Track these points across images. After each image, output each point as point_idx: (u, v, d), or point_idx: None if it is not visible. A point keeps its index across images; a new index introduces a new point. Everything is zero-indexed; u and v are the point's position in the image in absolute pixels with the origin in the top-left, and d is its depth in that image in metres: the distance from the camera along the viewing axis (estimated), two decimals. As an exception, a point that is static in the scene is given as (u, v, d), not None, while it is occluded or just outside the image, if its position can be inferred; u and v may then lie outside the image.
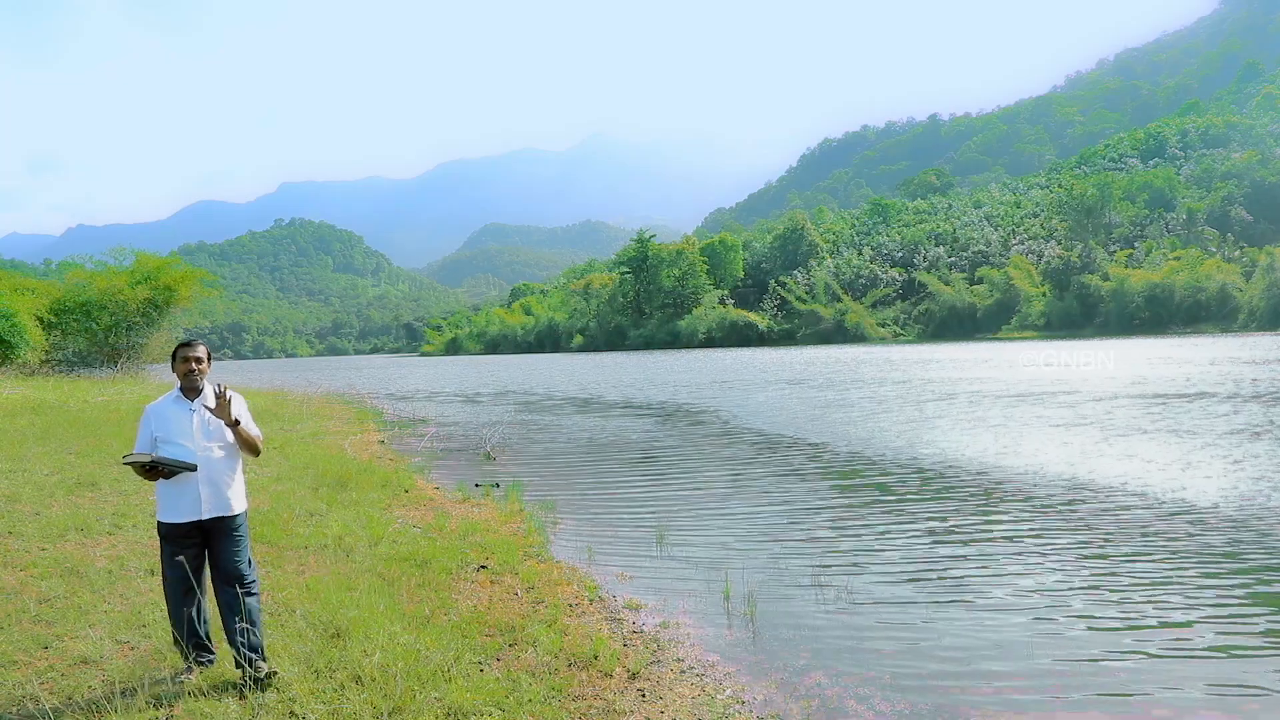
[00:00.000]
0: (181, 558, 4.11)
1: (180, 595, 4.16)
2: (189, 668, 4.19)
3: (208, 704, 3.85)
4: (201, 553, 4.24)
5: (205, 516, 4.16)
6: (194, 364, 4.26)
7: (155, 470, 4.05)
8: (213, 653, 4.28)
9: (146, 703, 3.93)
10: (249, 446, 4.34)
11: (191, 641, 4.18)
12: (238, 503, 4.29)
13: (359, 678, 4.18)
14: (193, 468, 4.10)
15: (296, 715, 3.82)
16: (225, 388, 4.19)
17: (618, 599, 6.05)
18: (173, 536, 4.17)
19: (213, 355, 4.48)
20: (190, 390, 4.27)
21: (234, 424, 4.21)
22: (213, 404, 4.21)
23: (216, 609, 4.30)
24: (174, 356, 4.32)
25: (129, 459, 3.99)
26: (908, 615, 5.64)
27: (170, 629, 4.28)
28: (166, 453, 4.09)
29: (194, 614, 4.18)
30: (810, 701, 4.37)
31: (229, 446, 4.28)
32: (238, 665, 4.11)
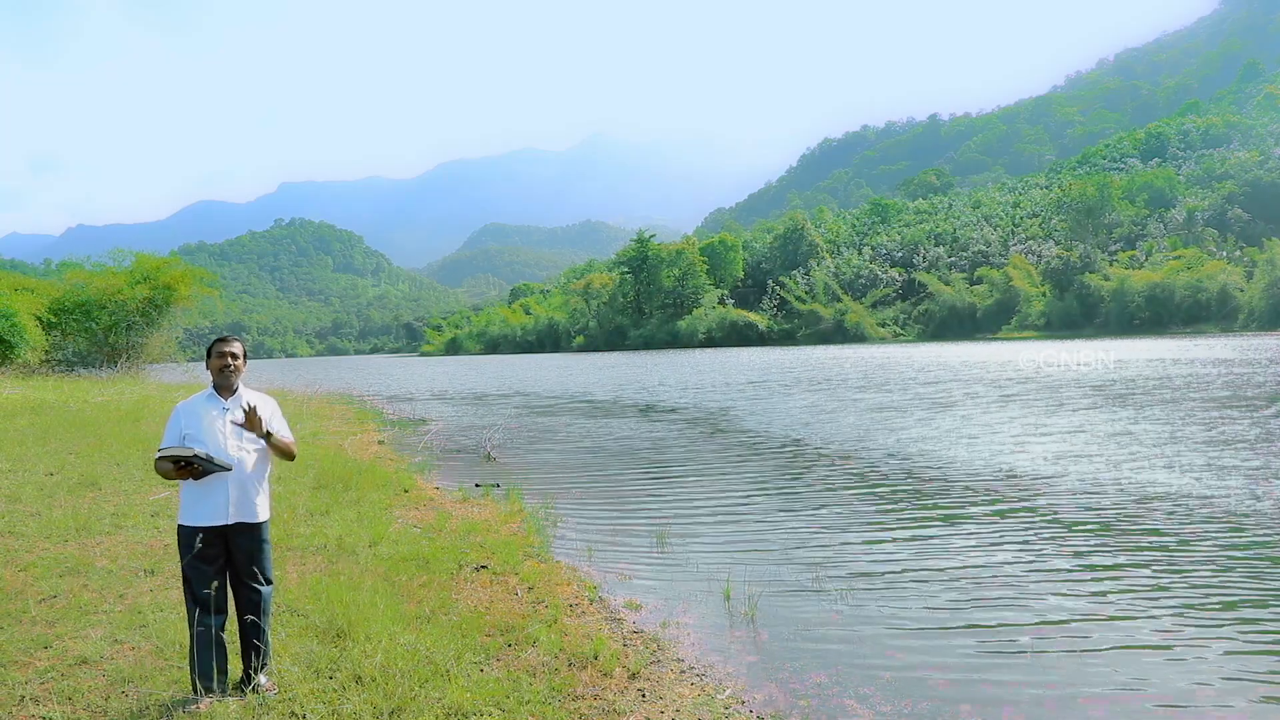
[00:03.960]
0: (209, 583, 3.89)
1: (205, 616, 3.89)
2: (202, 695, 3.90)
3: (208, 704, 3.85)
4: (225, 568, 4.01)
5: (231, 521, 3.96)
6: (229, 360, 4.06)
7: (189, 468, 3.80)
8: (224, 691, 3.95)
9: (147, 703, 3.93)
10: (283, 453, 4.18)
11: (208, 674, 3.90)
12: (263, 510, 4.10)
13: (360, 678, 4.18)
14: (228, 468, 3.91)
15: (297, 715, 3.82)
16: (253, 406, 3.99)
17: (618, 599, 6.05)
18: (196, 543, 3.92)
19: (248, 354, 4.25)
20: (224, 389, 4.09)
21: (266, 436, 4.05)
22: (242, 419, 4.03)
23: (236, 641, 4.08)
24: (208, 353, 4.12)
25: (165, 452, 3.78)
26: (909, 615, 5.64)
27: (188, 641, 3.99)
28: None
29: (216, 645, 3.90)
30: (810, 701, 4.37)
31: (262, 450, 4.12)
32: (244, 668, 4.05)
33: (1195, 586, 6.01)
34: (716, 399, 24.27)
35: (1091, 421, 15.28)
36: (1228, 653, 4.85)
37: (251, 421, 4.00)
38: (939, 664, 4.82)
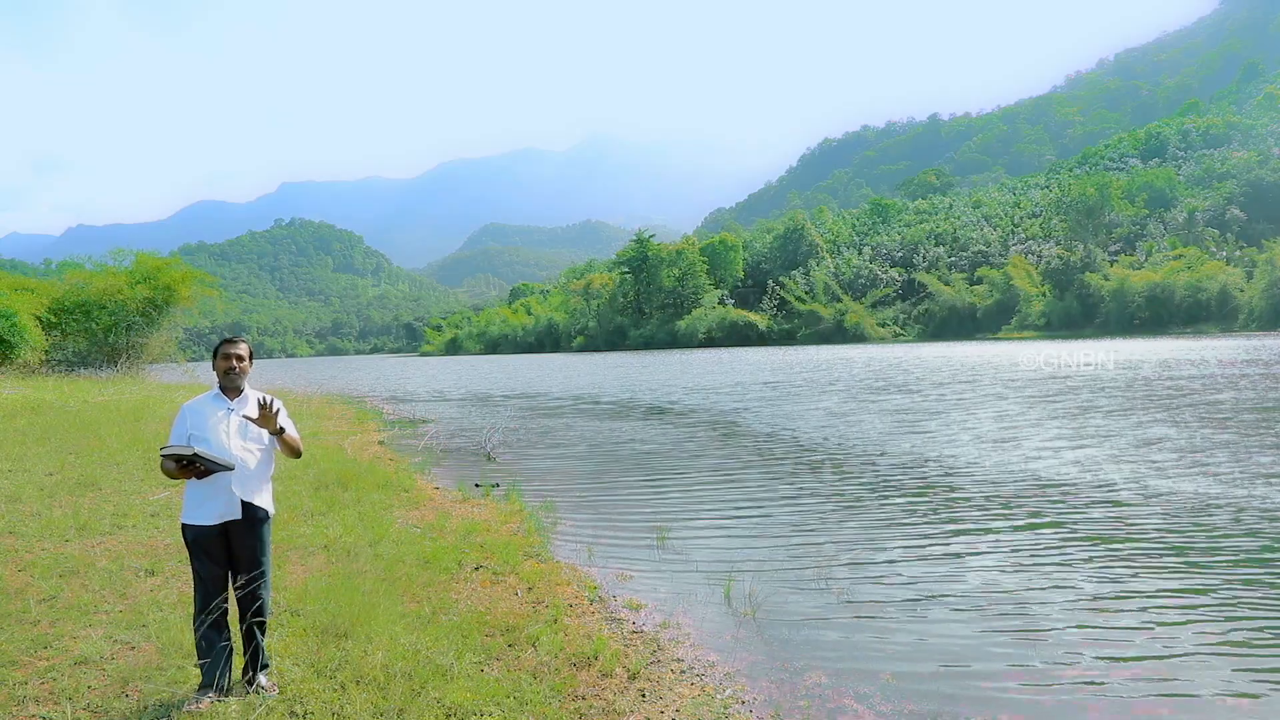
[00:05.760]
0: (214, 581, 3.93)
1: (209, 616, 3.93)
2: (204, 695, 3.91)
3: (209, 704, 3.85)
4: (229, 567, 4.02)
5: (233, 519, 3.97)
6: (235, 361, 4.08)
7: (191, 467, 3.83)
8: (226, 693, 3.95)
9: (147, 703, 3.93)
10: (292, 451, 4.19)
11: (219, 673, 3.93)
12: (266, 509, 4.11)
13: (361, 678, 4.18)
14: (231, 467, 3.91)
15: (298, 715, 3.82)
16: (271, 399, 4.02)
17: (618, 599, 6.05)
18: (199, 541, 3.96)
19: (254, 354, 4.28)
20: (230, 389, 4.11)
21: (279, 433, 4.07)
22: (255, 414, 4.04)
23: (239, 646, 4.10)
24: (214, 353, 4.14)
25: (168, 450, 3.80)
26: (909, 616, 5.63)
27: (193, 630, 4.02)
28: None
29: (219, 644, 3.93)
30: (810, 701, 4.37)
31: (265, 450, 4.13)
32: (245, 668, 4.06)
33: (1206, 590, 6.01)
34: (727, 400, 24.25)
35: (1097, 422, 15.28)
36: (1235, 656, 4.84)
37: (265, 417, 4.02)
38: (939, 664, 4.82)
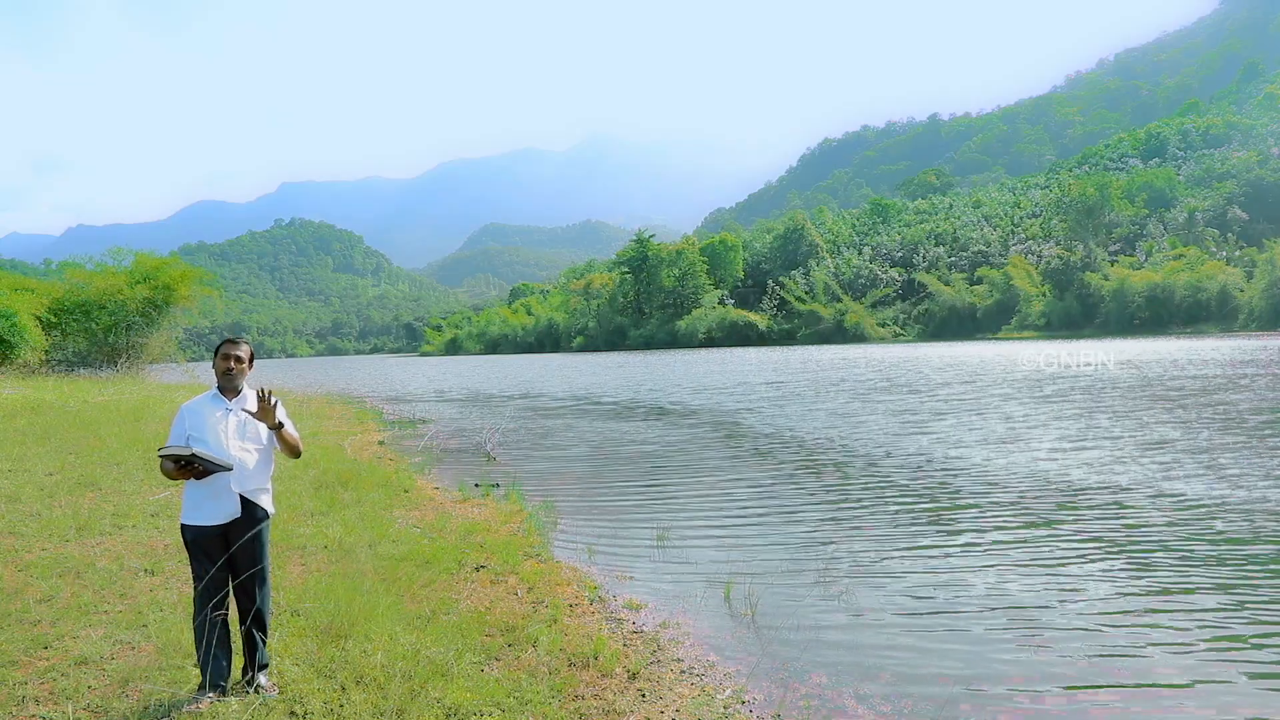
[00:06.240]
0: (214, 582, 3.92)
1: (208, 616, 3.91)
2: (204, 695, 3.92)
3: (209, 704, 3.85)
4: (228, 568, 4.01)
5: (233, 520, 3.98)
6: (234, 362, 4.07)
7: (190, 468, 3.84)
8: (225, 693, 3.96)
9: (147, 703, 3.93)
10: (291, 449, 4.18)
11: (218, 673, 3.94)
12: (265, 510, 4.11)
13: (360, 678, 4.18)
14: (229, 468, 3.91)
15: (298, 715, 3.82)
16: (269, 391, 4.03)
17: (618, 599, 6.05)
18: (199, 542, 3.96)
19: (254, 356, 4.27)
20: (229, 390, 4.12)
21: (277, 427, 4.07)
22: (254, 408, 4.04)
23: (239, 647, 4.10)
24: (215, 353, 4.14)
25: (166, 450, 3.81)
26: (910, 617, 5.63)
27: (193, 634, 4.03)
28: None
29: (218, 644, 3.93)
30: (810, 701, 4.37)
31: (265, 450, 4.13)
32: (245, 668, 4.06)
33: (1205, 591, 6.00)
34: (729, 401, 24.23)
35: (1104, 423, 15.27)
36: (1234, 659, 4.83)
37: (265, 411, 4.02)
38: (939, 664, 4.82)
